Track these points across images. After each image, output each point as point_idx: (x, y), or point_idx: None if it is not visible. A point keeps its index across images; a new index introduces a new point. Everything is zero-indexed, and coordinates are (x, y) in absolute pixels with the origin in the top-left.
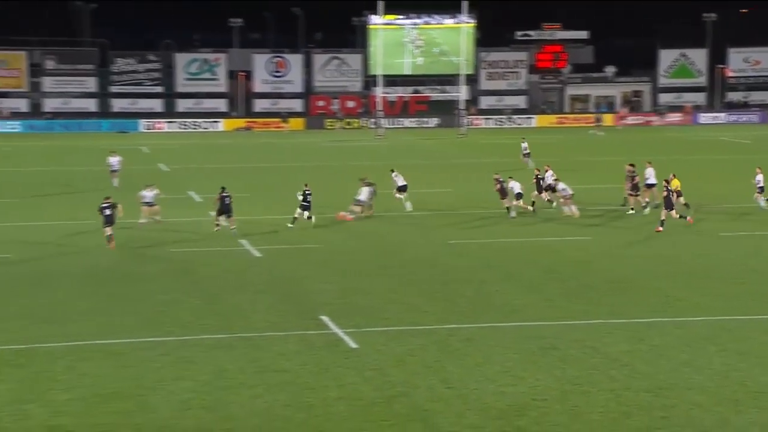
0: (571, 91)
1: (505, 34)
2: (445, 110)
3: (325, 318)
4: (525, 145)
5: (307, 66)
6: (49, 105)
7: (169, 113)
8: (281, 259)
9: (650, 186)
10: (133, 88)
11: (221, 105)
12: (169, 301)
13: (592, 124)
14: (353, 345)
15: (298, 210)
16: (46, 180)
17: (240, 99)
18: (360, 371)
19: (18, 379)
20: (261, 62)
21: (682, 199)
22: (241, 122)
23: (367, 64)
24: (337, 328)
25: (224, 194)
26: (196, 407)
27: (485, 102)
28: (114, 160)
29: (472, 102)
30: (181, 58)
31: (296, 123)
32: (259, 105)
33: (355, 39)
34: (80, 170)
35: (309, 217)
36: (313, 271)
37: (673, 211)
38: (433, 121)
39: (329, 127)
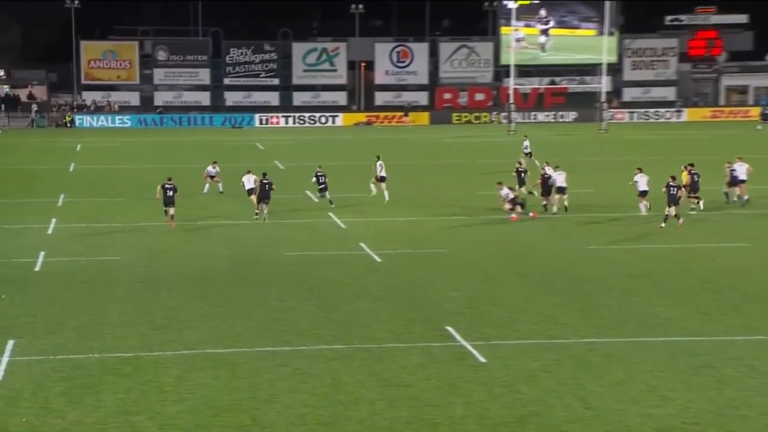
0: (727, 81)
1: (653, 19)
2: (585, 103)
3: (451, 329)
4: (527, 143)
5: (433, 55)
6: (160, 98)
7: (285, 107)
8: (404, 264)
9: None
10: (247, 80)
11: (340, 98)
12: (284, 308)
13: (759, 119)
14: (482, 359)
15: (319, 195)
16: (155, 178)
17: (360, 91)
18: (489, 388)
19: (125, 390)
20: (383, 52)
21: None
22: (361, 116)
23: (498, 53)
24: (465, 341)
25: (266, 181)
26: (313, 423)
27: (629, 94)
28: (212, 170)
29: (614, 94)
30: (298, 48)
31: (420, 117)
32: (381, 98)
33: (485, 26)
34: (191, 168)
35: (328, 200)
36: (438, 277)
37: (673, 208)
38: (571, 115)
39: (456, 122)
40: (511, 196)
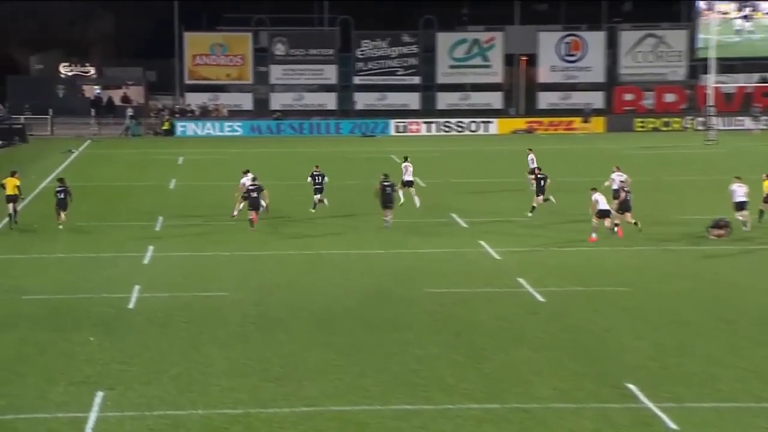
0: None
1: None
2: None
3: (632, 386)
4: (532, 157)
5: (611, 47)
6: (277, 101)
7: (428, 111)
8: (573, 304)
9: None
10: (382, 79)
11: (495, 100)
12: (424, 357)
13: None
14: (672, 425)
15: (316, 196)
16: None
17: (519, 92)
18: None
19: None
20: (549, 43)
21: None
22: (520, 123)
23: (694, 44)
24: (650, 401)
25: (386, 183)
26: None
27: None
28: (246, 180)
29: None
30: (444, 39)
31: (594, 123)
32: (545, 100)
33: (678, 9)
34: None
35: (321, 200)
36: (616, 321)
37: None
38: None
39: (639, 129)
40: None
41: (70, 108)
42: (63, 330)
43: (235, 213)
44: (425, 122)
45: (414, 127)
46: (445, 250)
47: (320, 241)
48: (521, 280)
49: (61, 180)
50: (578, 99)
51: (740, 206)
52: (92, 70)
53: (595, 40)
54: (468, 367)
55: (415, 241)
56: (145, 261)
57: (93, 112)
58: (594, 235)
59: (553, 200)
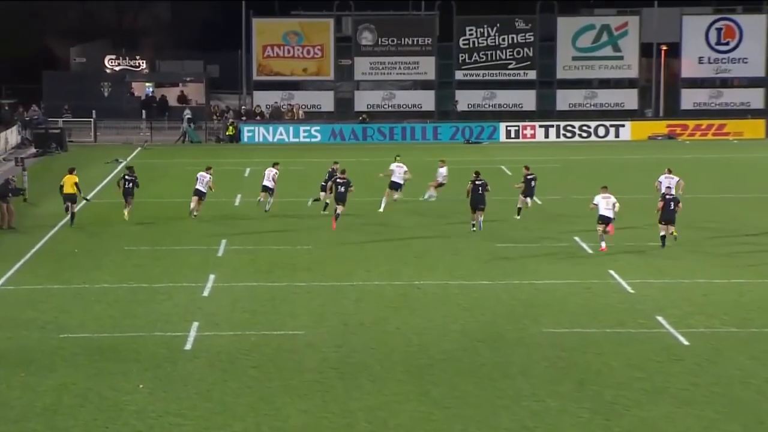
0: None
1: None
2: None
3: None
4: (442, 170)
5: None
6: (364, 100)
7: (545, 112)
8: (724, 349)
9: None
10: (490, 74)
11: (628, 99)
12: (542, 412)
13: None
14: None
15: (322, 194)
16: (358, 222)
17: (659, 89)
18: None
19: None
20: (695, 29)
21: None
22: (659, 126)
23: None
24: None
25: (478, 182)
26: None
27: None
28: (271, 172)
29: None
30: (566, 25)
31: (752, 127)
32: (690, 98)
33: None
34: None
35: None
36: None
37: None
38: None
39: None
40: None
41: (116, 109)
42: (108, 375)
43: (321, 197)
44: (542, 126)
45: (528, 131)
46: (567, 281)
47: (413, 270)
48: (660, 319)
49: (130, 168)
50: (732, 97)
51: None
52: (143, 65)
53: (753, 24)
54: (595, 424)
55: (530, 270)
56: (205, 293)
57: (144, 114)
58: (603, 245)
59: (538, 202)
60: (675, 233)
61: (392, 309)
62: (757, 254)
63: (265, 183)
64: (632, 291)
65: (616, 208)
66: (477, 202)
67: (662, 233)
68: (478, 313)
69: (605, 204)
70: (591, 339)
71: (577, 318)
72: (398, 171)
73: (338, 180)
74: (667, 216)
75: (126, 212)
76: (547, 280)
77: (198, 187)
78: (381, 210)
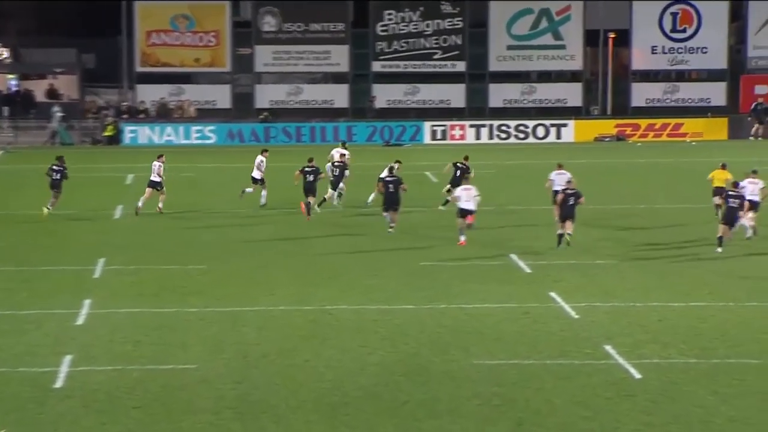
0: None
1: None
2: None
3: None
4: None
5: (736, 20)
6: (266, 96)
7: (476, 109)
8: (682, 383)
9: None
10: (412, 65)
11: (571, 94)
12: None
13: None
14: None
15: (330, 191)
16: (258, 231)
17: (606, 83)
18: None
19: None
20: (648, 14)
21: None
22: (607, 126)
23: None
24: None
25: (307, 167)
26: None
27: None
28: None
29: None
30: (499, 10)
31: (712, 127)
32: (642, 94)
33: None
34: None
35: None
36: (746, 409)
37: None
38: None
39: None
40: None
41: None
42: None
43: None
44: (473, 125)
45: (457, 132)
46: (502, 305)
47: (325, 292)
48: (609, 348)
49: (60, 158)
50: (690, 93)
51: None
52: (5, 53)
53: (714, 9)
54: None
55: (459, 293)
56: (80, 321)
57: (6, 111)
58: (462, 238)
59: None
60: (569, 236)
61: (300, 338)
62: (719, 274)
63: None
64: (576, 316)
65: (478, 200)
66: (390, 201)
67: (559, 232)
68: (399, 343)
69: (466, 196)
70: (529, 372)
71: (514, 348)
72: (338, 156)
73: (306, 168)
74: (566, 212)
75: (46, 209)
76: (479, 304)
77: (152, 178)
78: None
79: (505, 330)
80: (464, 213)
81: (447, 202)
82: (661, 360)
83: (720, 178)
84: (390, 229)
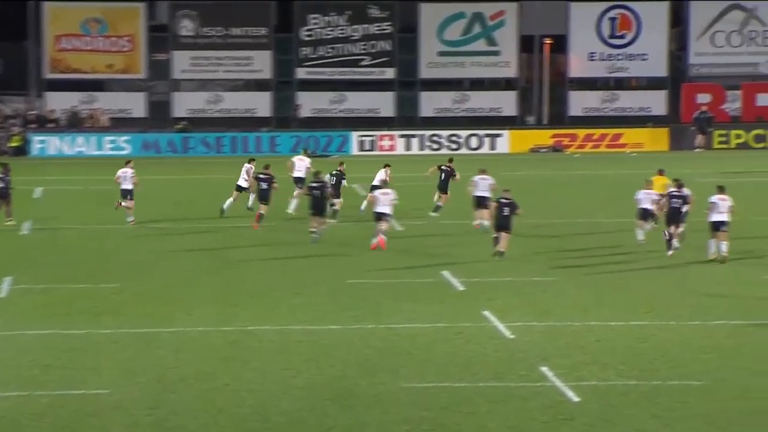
0: None
1: None
2: None
3: None
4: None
5: (678, 25)
6: (183, 104)
7: (407, 119)
8: (621, 406)
9: None
10: (338, 72)
11: (507, 103)
12: None
13: None
14: None
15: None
16: (170, 243)
17: (542, 91)
18: None
19: None
20: (585, 18)
21: None
22: (543, 136)
23: None
24: None
25: (261, 175)
26: None
27: None
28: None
29: None
30: (429, 14)
31: (653, 137)
32: (580, 102)
33: None
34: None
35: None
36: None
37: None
38: None
39: (720, 145)
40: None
41: None
42: None
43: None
44: (403, 135)
45: (386, 142)
46: (433, 325)
47: (246, 312)
48: (545, 370)
49: (4, 165)
50: (629, 101)
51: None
52: None
53: (654, 13)
54: None
55: (388, 312)
56: None
57: None
58: (374, 240)
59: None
60: (503, 249)
61: (220, 361)
62: (660, 291)
63: (240, 183)
64: (511, 336)
65: (395, 202)
66: (315, 207)
67: (495, 246)
68: (325, 365)
69: (384, 200)
70: (462, 395)
71: (445, 370)
72: (300, 165)
73: (260, 176)
74: (500, 222)
75: (9, 221)
76: (409, 324)
77: (124, 186)
78: (291, 211)
79: (436, 351)
80: (379, 216)
81: (438, 207)
82: (600, 382)
83: (659, 184)
84: (314, 235)
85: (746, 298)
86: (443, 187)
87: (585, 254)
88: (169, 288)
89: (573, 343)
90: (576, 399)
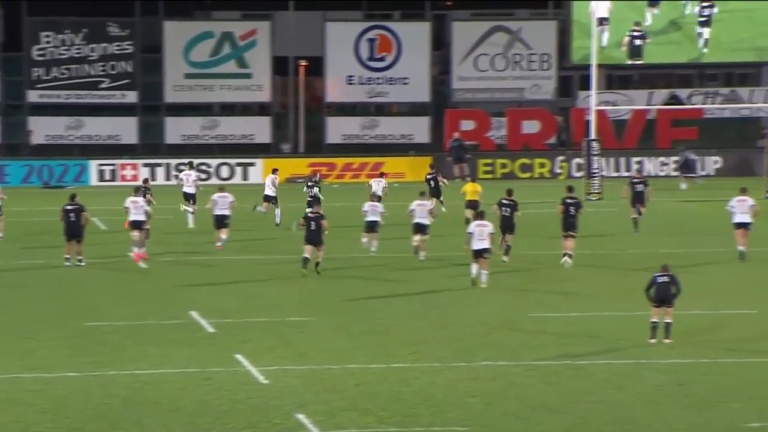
0: None
1: None
2: (740, 139)
3: None
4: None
5: (440, 47)
6: None
7: (152, 146)
8: None
9: None
10: (75, 95)
11: (260, 129)
12: None
13: None
14: None
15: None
16: None
17: (298, 117)
18: None
19: None
20: (342, 39)
21: None
22: (299, 165)
23: (567, 44)
24: None
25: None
26: None
27: None
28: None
29: None
30: (175, 32)
31: (416, 165)
32: (338, 129)
33: None
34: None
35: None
36: None
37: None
38: (712, 164)
39: (485, 175)
40: None
41: None
42: None
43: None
44: (147, 164)
45: (129, 172)
46: (181, 371)
47: None
48: (301, 417)
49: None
50: (390, 128)
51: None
52: None
53: (415, 34)
54: None
55: (131, 357)
56: None
57: None
58: (136, 250)
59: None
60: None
61: None
62: (423, 330)
63: (267, 192)
64: (266, 381)
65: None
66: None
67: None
68: (61, 417)
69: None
70: None
71: (194, 419)
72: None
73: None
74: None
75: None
76: (155, 370)
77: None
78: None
79: (185, 399)
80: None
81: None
82: (360, 429)
83: (472, 191)
84: (67, 263)
85: (512, 337)
86: (436, 194)
87: (330, 292)
88: None
89: (331, 388)
90: None
